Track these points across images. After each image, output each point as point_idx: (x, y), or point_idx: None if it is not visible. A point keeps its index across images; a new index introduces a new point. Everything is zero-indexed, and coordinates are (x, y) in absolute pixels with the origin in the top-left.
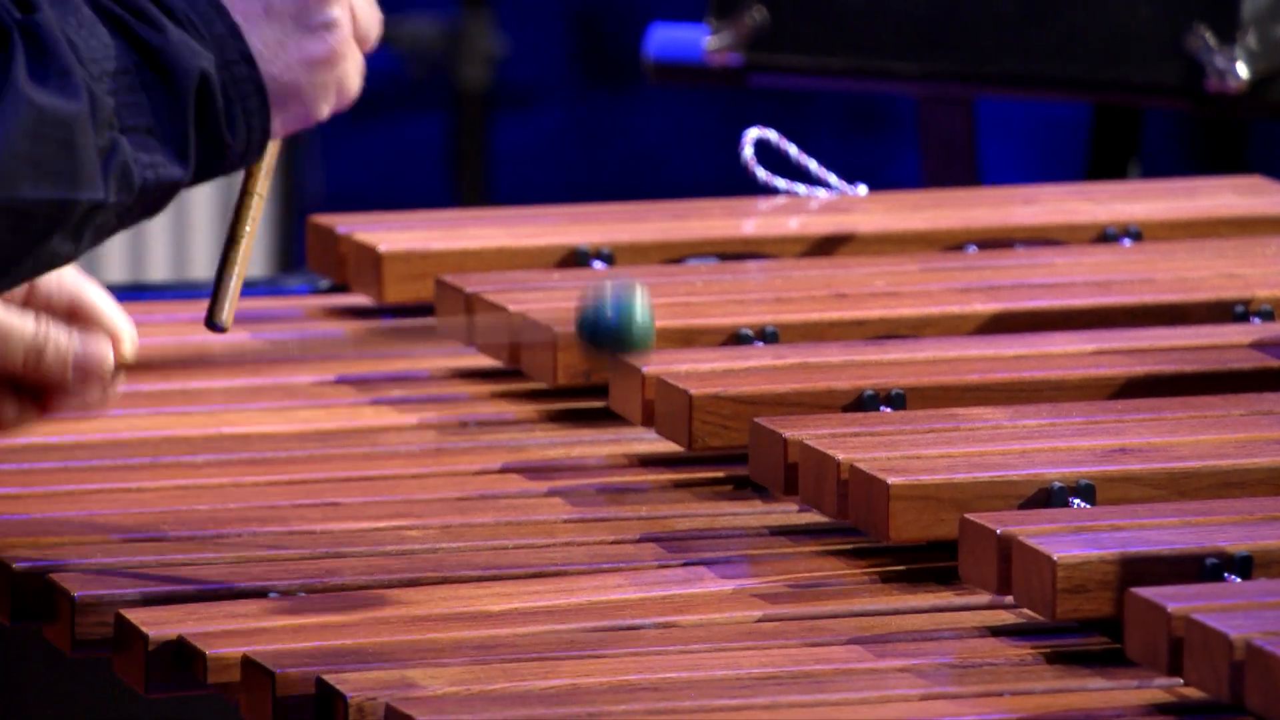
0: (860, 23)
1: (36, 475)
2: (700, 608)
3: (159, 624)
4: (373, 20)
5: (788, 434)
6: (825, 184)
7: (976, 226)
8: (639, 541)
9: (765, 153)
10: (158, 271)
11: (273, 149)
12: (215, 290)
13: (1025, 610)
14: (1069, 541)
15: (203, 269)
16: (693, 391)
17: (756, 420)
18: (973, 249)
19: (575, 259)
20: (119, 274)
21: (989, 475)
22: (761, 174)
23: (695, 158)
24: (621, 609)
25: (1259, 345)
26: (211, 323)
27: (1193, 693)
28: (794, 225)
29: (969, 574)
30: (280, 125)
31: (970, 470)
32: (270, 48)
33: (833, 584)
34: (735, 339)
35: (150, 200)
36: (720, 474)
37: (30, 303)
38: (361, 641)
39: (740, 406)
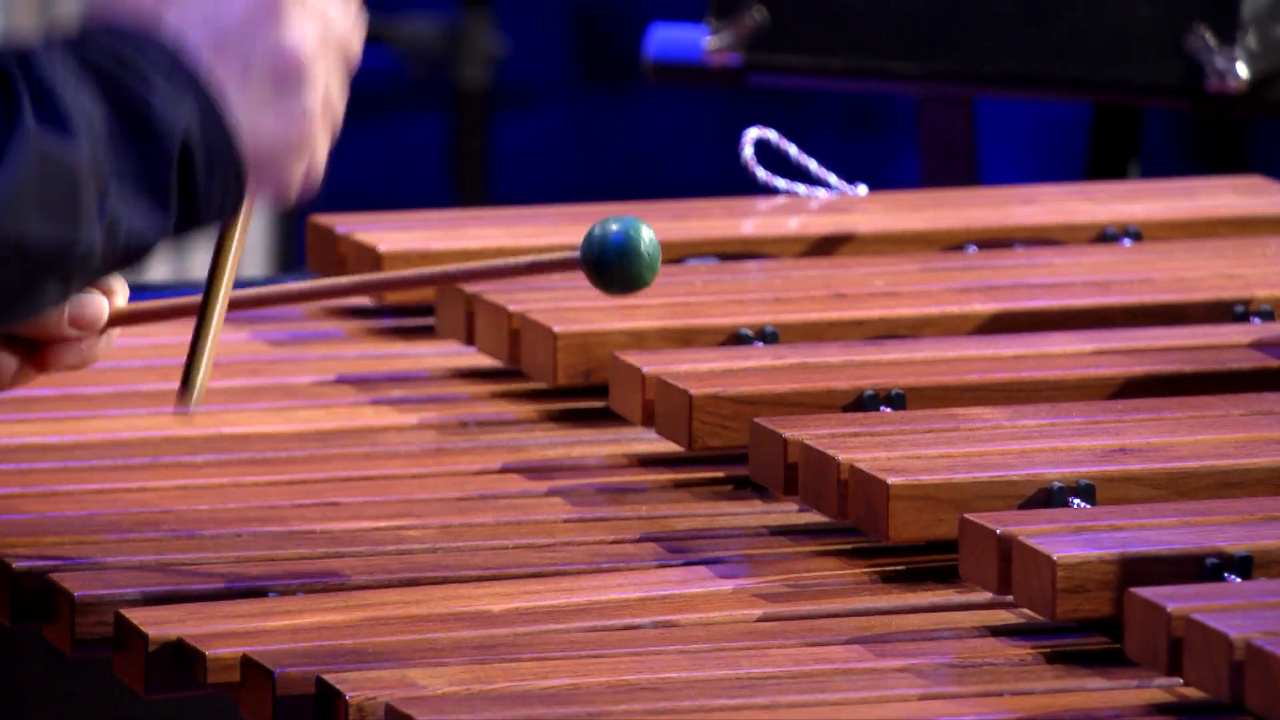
0: (860, 23)
1: (36, 475)
2: (700, 607)
3: (159, 624)
4: (341, 93)
5: (787, 434)
6: (825, 184)
7: (976, 226)
8: (639, 541)
9: (765, 153)
10: (157, 271)
11: (244, 216)
12: (188, 365)
13: (1025, 610)
14: (1069, 541)
15: (202, 269)
16: (692, 391)
17: (756, 420)
18: (972, 249)
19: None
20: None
21: (989, 475)
22: (761, 174)
23: (695, 158)
24: (621, 609)
25: (1258, 345)
26: (182, 400)
27: (1192, 693)
28: (794, 225)
29: (969, 574)
30: (252, 191)
31: (970, 470)
32: (248, 113)
33: (832, 584)
34: (735, 339)
35: (129, 254)
36: (720, 474)
37: None
38: (361, 641)
39: (740, 406)
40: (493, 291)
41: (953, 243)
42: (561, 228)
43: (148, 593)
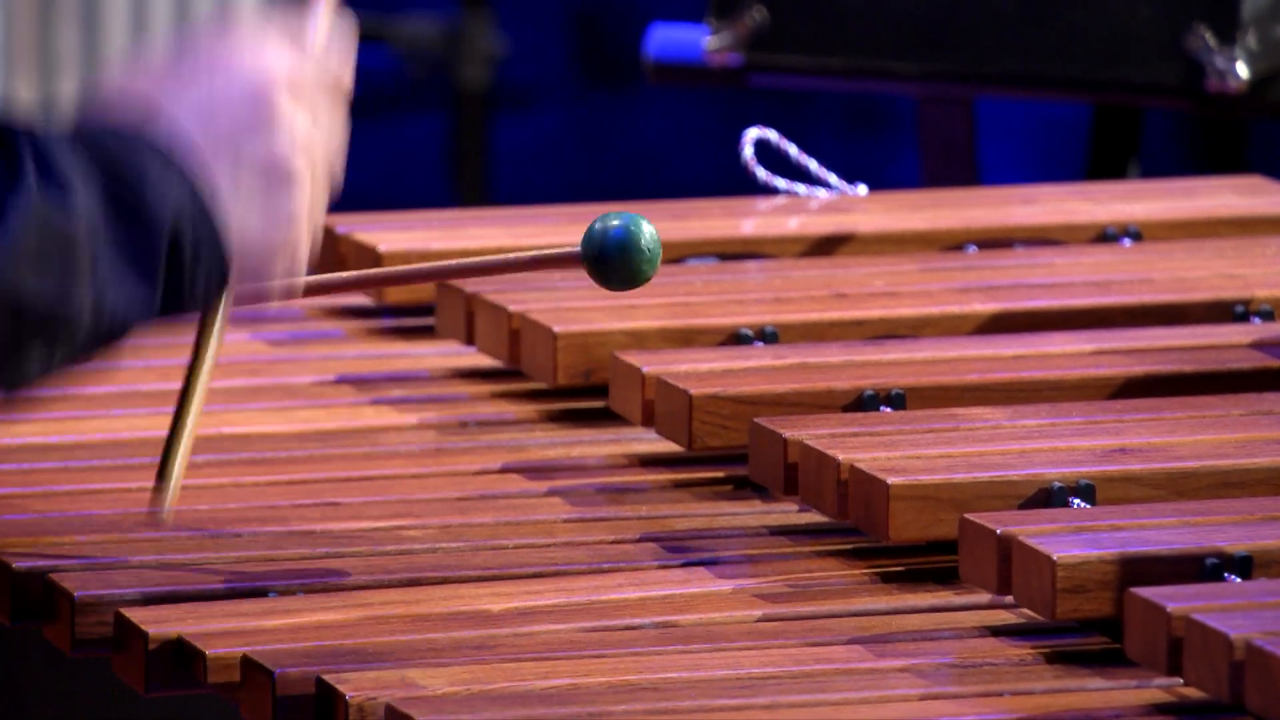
0: (860, 23)
1: (36, 475)
2: (700, 608)
3: (159, 623)
4: (323, 200)
5: (787, 434)
6: (825, 184)
7: (976, 226)
8: (639, 541)
9: (765, 153)
10: None
11: (223, 310)
12: (164, 459)
13: (1025, 610)
14: (1069, 541)
15: None
16: (692, 391)
17: (756, 420)
18: (972, 249)
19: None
20: None
21: (989, 475)
22: (761, 174)
23: (695, 158)
24: (621, 609)
25: (1258, 345)
26: (156, 499)
27: (1192, 693)
28: (793, 225)
29: (969, 574)
30: (234, 286)
31: (970, 470)
32: (236, 210)
33: (832, 584)
34: (735, 339)
35: (111, 334)
36: (720, 474)
37: None
38: (361, 641)
39: (740, 406)
40: (493, 291)
41: (953, 243)
42: (561, 228)
43: (147, 592)
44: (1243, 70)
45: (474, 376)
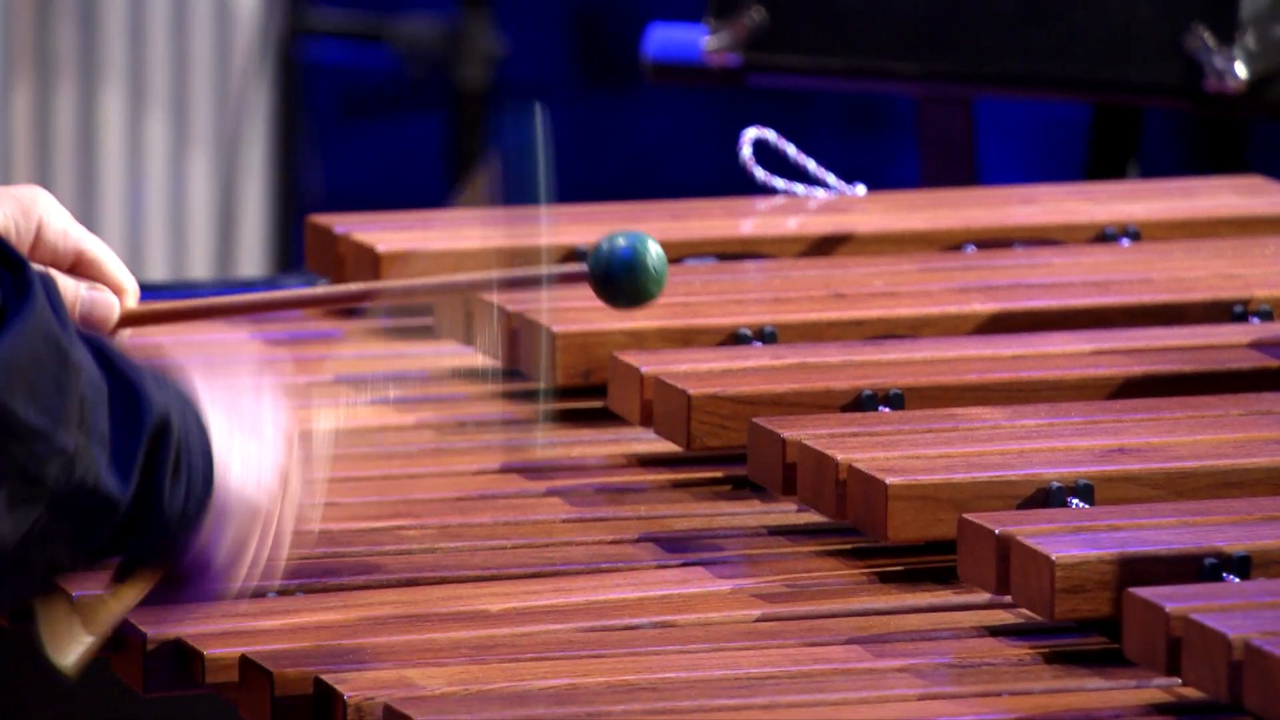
0: (860, 23)
1: None
2: (699, 607)
3: (157, 623)
4: (289, 526)
5: (786, 434)
6: (824, 184)
7: (975, 226)
8: (637, 541)
9: (764, 152)
10: (155, 271)
11: (134, 595)
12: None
13: (1024, 610)
14: (1067, 541)
15: (200, 269)
16: (691, 391)
17: (755, 420)
18: (971, 249)
19: (574, 259)
20: None
21: (987, 475)
22: (760, 174)
23: (695, 158)
24: (620, 609)
25: (1257, 345)
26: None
27: (1191, 693)
28: (792, 225)
29: (967, 574)
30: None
31: (969, 470)
32: (225, 443)
33: (831, 584)
34: (734, 339)
35: (81, 503)
36: (719, 474)
37: (34, 255)
38: (360, 641)
39: (739, 406)
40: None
41: (952, 243)
42: (561, 228)
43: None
44: (1241, 70)
45: (473, 376)
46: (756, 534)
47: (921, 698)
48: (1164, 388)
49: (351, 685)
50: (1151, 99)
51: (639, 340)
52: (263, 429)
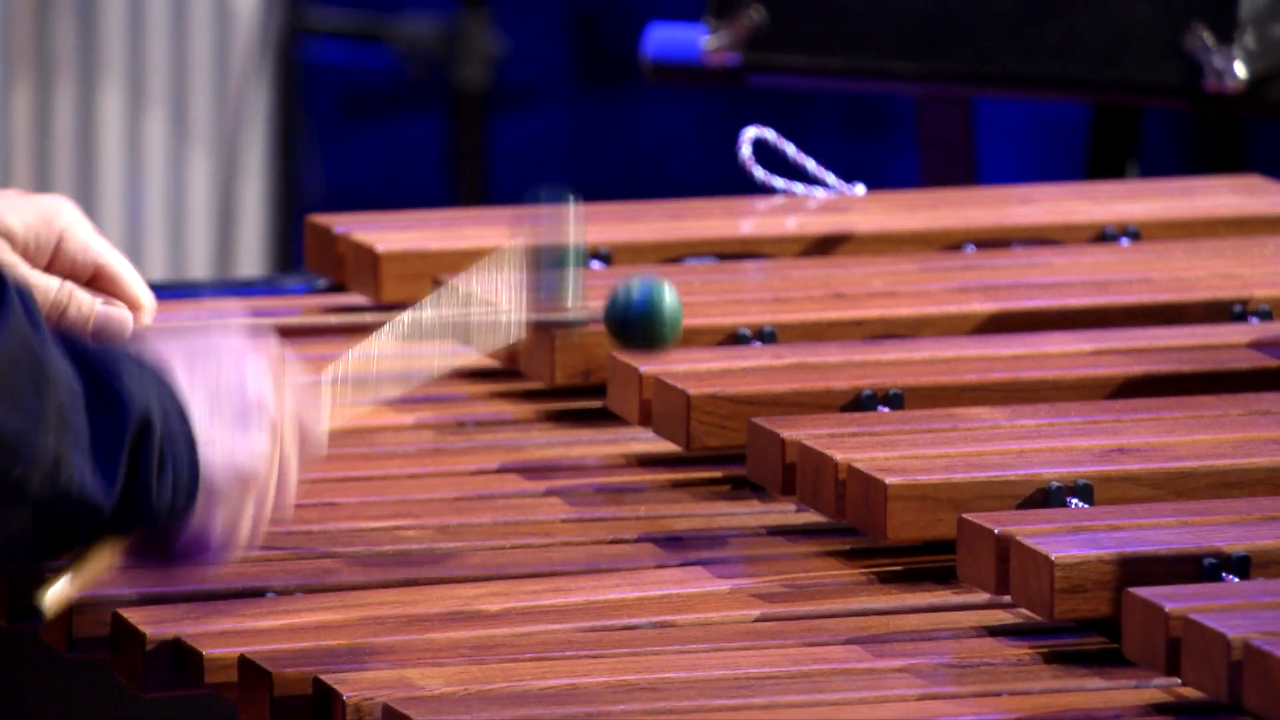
0: (859, 23)
1: None
2: (698, 607)
3: (156, 623)
4: (294, 469)
5: (785, 434)
6: (823, 183)
7: (974, 226)
8: (637, 541)
9: (763, 152)
10: (155, 271)
11: (105, 563)
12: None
13: (1023, 610)
14: (1067, 541)
15: (200, 269)
16: (690, 391)
17: (754, 420)
18: (971, 249)
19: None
20: None
21: (987, 475)
22: (759, 173)
23: (694, 158)
24: (619, 609)
25: (1257, 345)
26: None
27: (1191, 693)
28: (792, 225)
29: (967, 574)
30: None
31: (968, 470)
32: (209, 426)
33: (830, 584)
34: (733, 339)
35: (64, 509)
36: (718, 474)
37: (54, 266)
38: (359, 641)
39: (738, 406)
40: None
41: (951, 242)
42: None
43: (145, 592)
44: (1241, 70)
45: (472, 376)
46: (756, 534)
47: (921, 698)
48: (1164, 388)
49: (350, 685)
50: (1151, 99)
51: None
52: (247, 396)
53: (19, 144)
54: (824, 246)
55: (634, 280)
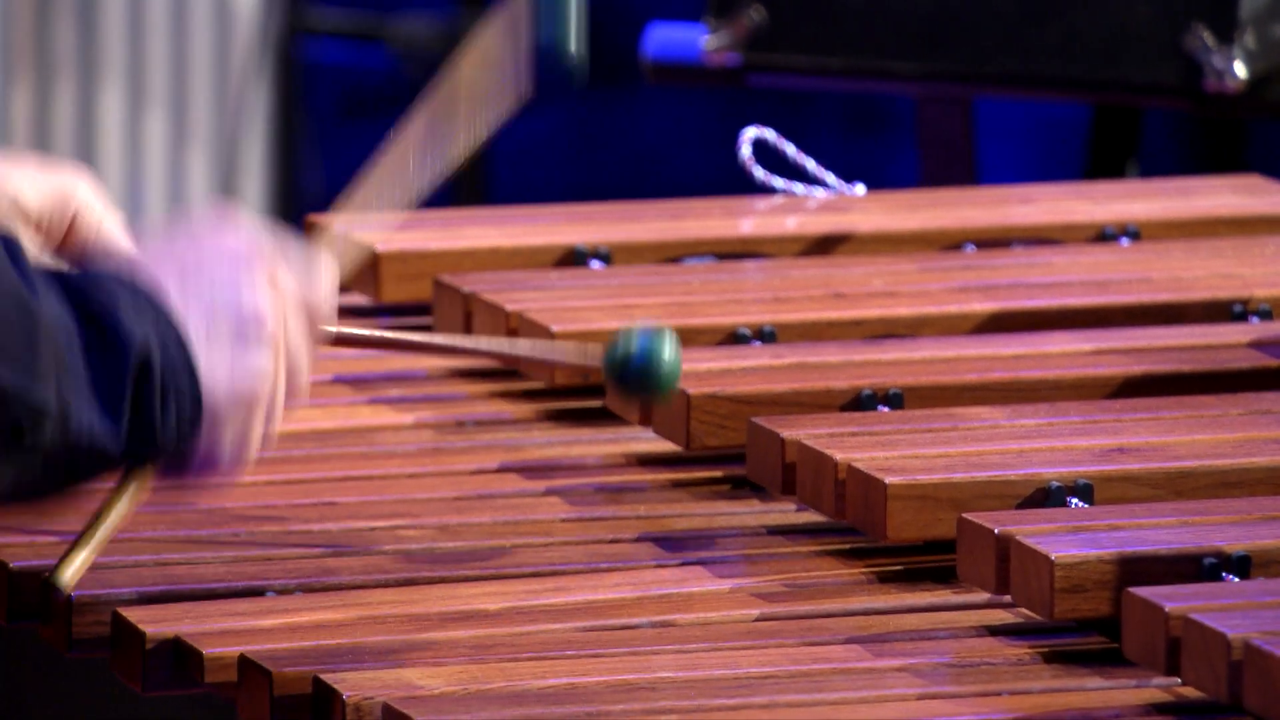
0: (859, 23)
1: None
2: (698, 607)
3: (156, 623)
4: (305, 361)
5: (785, 433)
6: (823, 183)
7: (974, 226)
8: (636, 541)
9: (763, 152)
10: None
11: (131, 504)
12: (71, 548)
13: (1023, 610)
14: (1067, 541)
15: None
16: (690, 391)
17: (754, 420)
18: (971, 248)
19: (573, 258)
20: None
21: (987, 475)
22: (759, 173)
23: (694, 158)
24: (619, 608)
25: (1257, 345)
26: (52, 582)
27: (1191, 692)
28: (791, 225)
29: (967, 573)
30: (202, 442)
31: (968, 470)
32: (206, 353)
33: (830, 583)
34: (733, 338)
35: (80, 453)
36: (718, 473)
37: (65, 246)
38: (359, 641)
39: (738, 406)
40: (490, 290)
41: (951, 242)
42: (560, 228)
43: (145, 592)
44: (1241, 70)
45: (471, 376)
46: (755, 533)
47: (921, 697)
48: (1164, 387)
49: (350, 685)
50: (1151, 99)
51: None
52: (243, 311)
53: (19, 143)
54: (824, 246)
55: (634, 333)
